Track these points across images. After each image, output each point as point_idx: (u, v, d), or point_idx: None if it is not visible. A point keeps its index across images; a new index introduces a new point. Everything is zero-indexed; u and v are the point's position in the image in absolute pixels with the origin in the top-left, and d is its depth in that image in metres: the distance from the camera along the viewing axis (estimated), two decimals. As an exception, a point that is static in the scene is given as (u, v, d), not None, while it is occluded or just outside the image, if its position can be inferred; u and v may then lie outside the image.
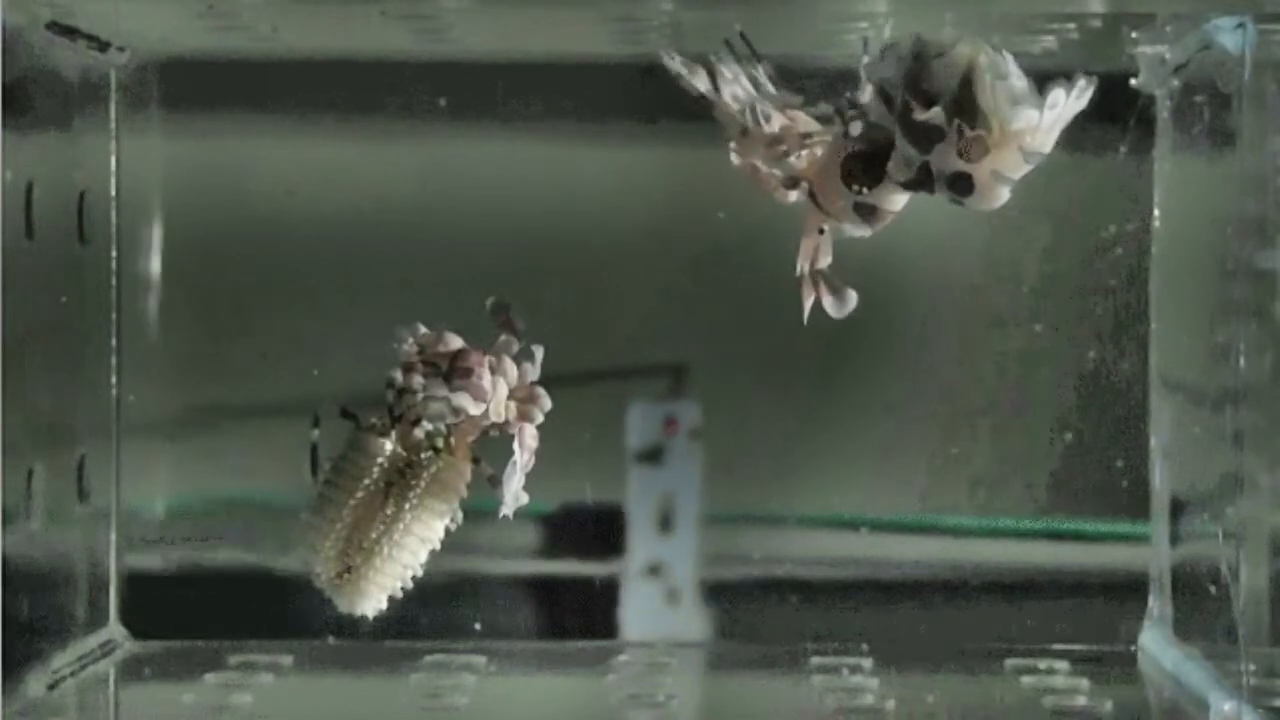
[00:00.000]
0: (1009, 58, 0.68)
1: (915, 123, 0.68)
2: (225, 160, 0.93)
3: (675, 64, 0.75)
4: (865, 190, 0.72)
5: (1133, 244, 0.92)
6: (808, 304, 0.75)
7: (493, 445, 0.77)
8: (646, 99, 0.92)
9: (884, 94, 0.70)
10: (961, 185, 0.69)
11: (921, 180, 0.69)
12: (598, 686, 0.88)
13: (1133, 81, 0.90)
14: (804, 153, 0.73)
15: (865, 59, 0.70)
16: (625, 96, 0.93)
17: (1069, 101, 0.68)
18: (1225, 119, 0.82)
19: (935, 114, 0.68)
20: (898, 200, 0.72)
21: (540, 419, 0.77)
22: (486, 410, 0.76)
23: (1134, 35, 0.86)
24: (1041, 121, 0.68)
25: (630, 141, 0.94)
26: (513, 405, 0.77)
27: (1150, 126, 0.91)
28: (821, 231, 0.74)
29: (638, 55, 0.91)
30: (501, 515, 0.76)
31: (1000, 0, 0.82)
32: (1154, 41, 0.86)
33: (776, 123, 0.73)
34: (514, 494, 0.76)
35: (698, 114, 0.92)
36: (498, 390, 0.76)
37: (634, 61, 0.92)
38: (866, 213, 0.72)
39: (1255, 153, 0.81)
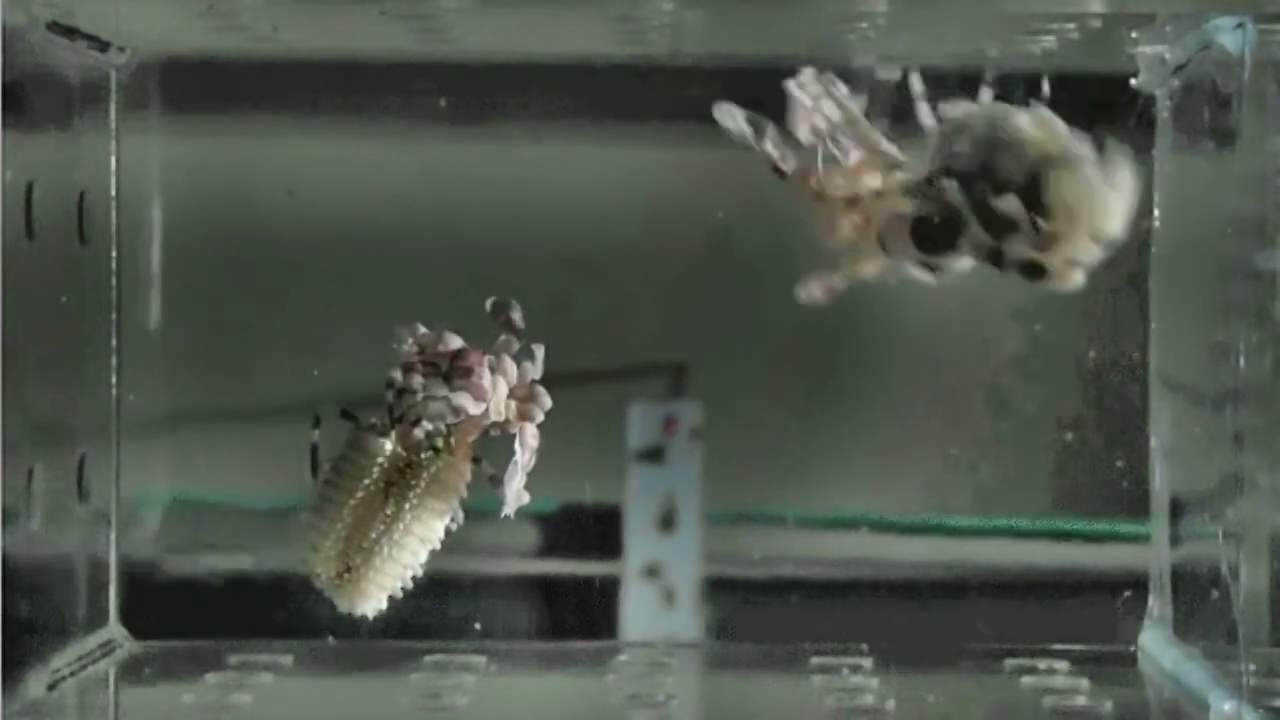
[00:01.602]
0: (1081, 143, 0.69)
1: (989, 211, 0.68)
2: (225, 160, 0.93)
3: (736, 123, 0.75)
4: (933, 256, 0.72)
5: (1132, 244, 0.92)
6: (816, 287, 0.75)
7: (493, 445, 0.77)
8: (647, 99, 0.92)
9: (956, 172, 0.70)
10: (1034, 272, 0.69)
11: (991, 259, 0.70)
12: (598, 686, 0.88)
13: (1133, 81, 0.90)
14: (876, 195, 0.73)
15: (936, 137, 0.71)
16: (625, 96, 0.93)
17: (1128, 176, 0.68)
18: (1225, 119, 0.82)
19: (1012, 208, 0.68)
20: (964, 264, 0.72)
21: (541, 418, 0.77)
22: (487, 410, 0.76)
23: (1134, 35, 0.86)
24: (1113, 207, 0.68)
25: (630, 141, 0.94)
26: (513, 404, 0.77)
27: (1150, 126, 0.91)
28: (884, 275, 0.74)
29: (638, 55, 0.91)
30: (503, 515, 0.76)
31: (1000, 0, 0.82)
32: (1154, 41, 0.86)
33: (854, 158, 0.73)
34: (515, 494, 0.76)
35: (697, 114, 0.92)
36: (498, 389, 0.76)
37: (634, 61, 0.92)
38: (932, 268, 0.73)
39: (1255, 153, 0.81)
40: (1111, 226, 0.68)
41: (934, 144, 0.72)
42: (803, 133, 0.74)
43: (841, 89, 0.75)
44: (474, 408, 0.76)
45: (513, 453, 0.76)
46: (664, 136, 0.93)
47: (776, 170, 0.75)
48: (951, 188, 0.70)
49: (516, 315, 0.77)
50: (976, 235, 0.69)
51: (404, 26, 0.87)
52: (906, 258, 0.73)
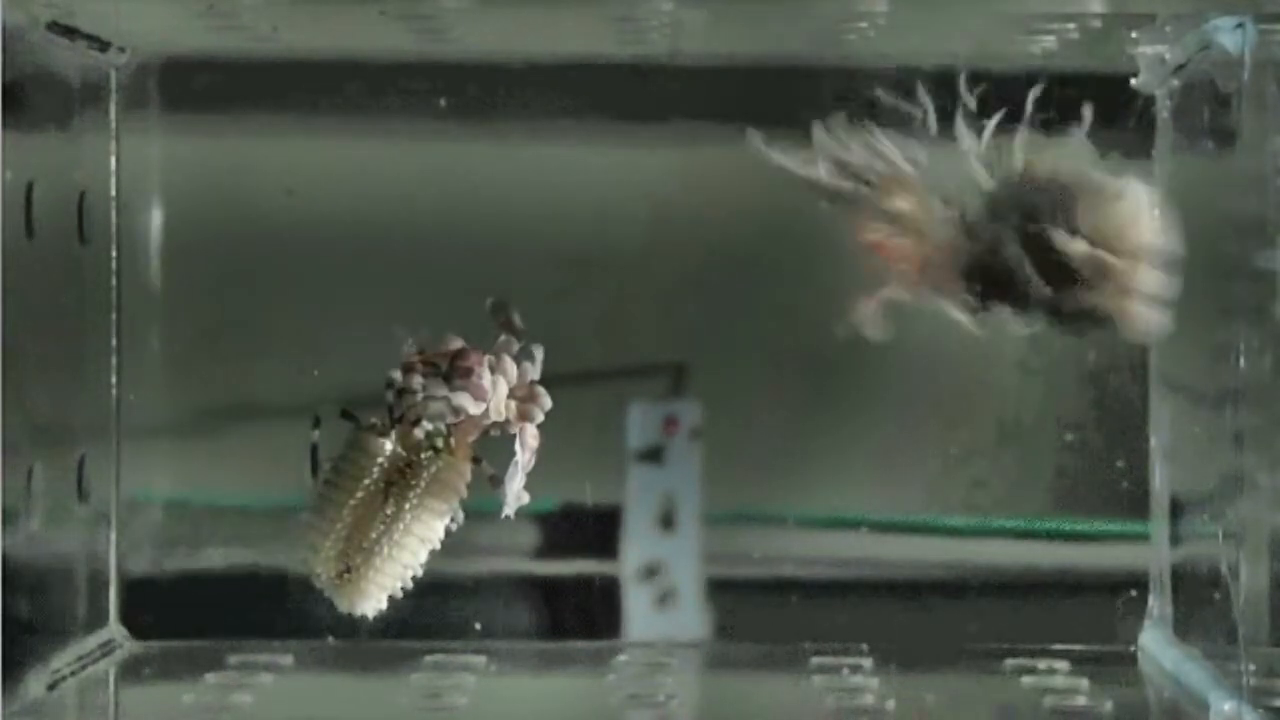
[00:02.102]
0: (1138, 186, 0.68)
1: (1050, 263, 0.68)
2: (225, 160, 0.93)
3: (778, 155, 0.74)
4: (983, 304, 0.71)
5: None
6: (863, 311, 0.75)
7: (493, 445, 0.77)
8: (647, 99, 0.92)
9: (1007, 218, 0.69)
10: (1098, 318, 0.68)
11: (1051, 313, 0.69)
12: (598, 686, 0.88)
13: (1132, 81, 0.90)
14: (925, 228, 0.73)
15: (987, 178, 0.70)
16: (625, 96, 0.93)
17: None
18: (1225, 119, 0.82)
19: (1076, 254, 0.67)
20: (1008, 314, 0.71)
21: (541, 418, 0.77)
22: (487, 410, 0.76)
23: (1134, 35, 0.86)
24: (1148, 226, 0.67)
25: (630, 141, 0.94)
26: (513, 405, 0.77)
27: (1150, 126, 0.91)
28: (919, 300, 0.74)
29: (638, 55, 0.91)
30: (504, 516, 0.76)
31: (1000, 0, 0.82)
32: (1154, 41, 0.86)
33: (896, 199, 0.73)
34: (515, 494, 0.76)
35: (697, 114, 0.93)
36: (498, 390, 0.76)
37: (634, 61, 0.92)
38: (974, 311, 0.72)
39: (1255, 153, 0.80)
40: (1159, 241, 0.68)
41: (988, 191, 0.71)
42: (824, 169, 0.74)
43: (880, 142, 0.74)
44: (474, 408, 0.76)
45: (513, 453, 0.76)
46: (664, 136, 0.93)
47: (816, 189, 0.74)
48: (1010, 238, 0.69)
49: (516, 315, 0.77)
50: (1038, 290, 0.69)
51: (404, 26, 0.87)
52: (950, 295, 0.72)
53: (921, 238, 0.72)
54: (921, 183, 0.73)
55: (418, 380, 0.76)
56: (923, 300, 0.74)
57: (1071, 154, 0.69)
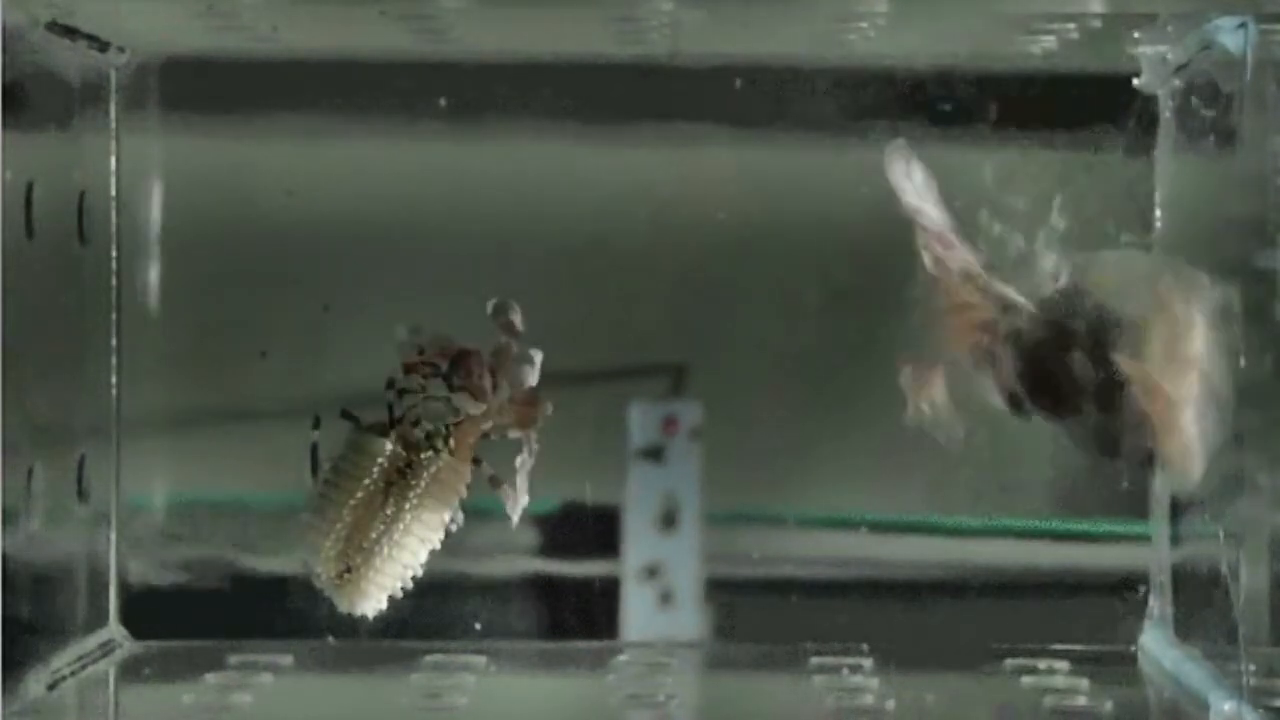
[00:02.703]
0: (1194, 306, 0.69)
1: (1093, 383, 0.68)
2: (225, 160, 0.93)
3: (905, 172, 0.74)
4: (1033, 404, 0.71)
5: (1134, 244, 0.92)
6: (920, 391, 0.75)
7: (493, 445, 0.77)
8: (647, 99, 0.92)
9: (1066, 332, 0.69)
10: (1150, 459, 0.68)
11: (1101, 444, 0.69)
12: (598, 686, 0.88)
13: (1134, 81, 0.90)
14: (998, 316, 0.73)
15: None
16: (625, 96, 0.93)
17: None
18: (1226, 119, 0.82)
19: (1139, 382, 0.67)
20: (1046, 418, 0.72)
21: (541, 421, 0.77)
22: (486, 411, 0.76)
23: (1135, 35, 0.86)
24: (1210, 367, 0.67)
25: (630, 141, 0.94)
26: (513, 407, 0.77)
27: (1152, 126, 0.91)
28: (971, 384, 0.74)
29: (638, 55, 0.91)
30: (514, 524, 0.76)
31: (1000, 0, 0.82)
32: (1155, 41, 0.86)
33: (969, 291, 0.73)
34: (521, 501, 0.76)
35: (697, 114, 0.92)
36: (498, 391, 0.76)
37: (634, 61, 0.92)
38: (1014, 404, 0.72)
39: (1256, 153, 0.80)
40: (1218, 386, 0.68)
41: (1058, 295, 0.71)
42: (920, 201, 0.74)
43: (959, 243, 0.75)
44: (474, 408, 0.76)
45: (512, 455, 0.76)
46: (664, 136, 0.93)
47: (925, 229, 0.74)
48: (1080, 360, 0.69)
49: (516, 317, 0.77)
50: (1088, 409, 0.69)
51: (404, 26, 0.87)
52: (1002, 382, 0.72)
53: (1003, 324, 0.72)
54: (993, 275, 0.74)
55: (418, 380, 0.76)
56: (975, 374, 0.74)
57: (1146, 270, 0.70)
